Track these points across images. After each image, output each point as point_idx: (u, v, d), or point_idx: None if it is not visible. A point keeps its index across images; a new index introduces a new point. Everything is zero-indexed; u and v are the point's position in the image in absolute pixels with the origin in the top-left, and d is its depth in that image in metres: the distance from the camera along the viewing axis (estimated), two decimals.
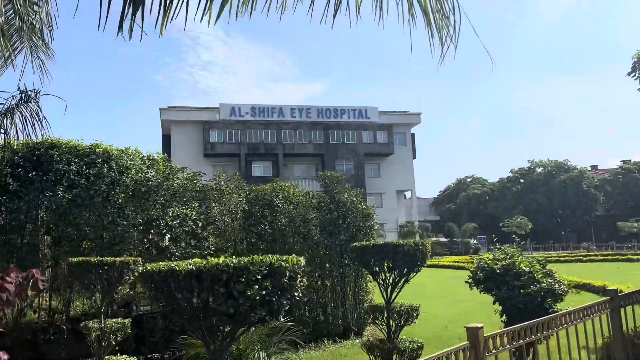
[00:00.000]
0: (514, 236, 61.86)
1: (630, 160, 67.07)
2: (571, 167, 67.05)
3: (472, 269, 7.54)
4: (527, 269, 6.99)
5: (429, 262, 37.97)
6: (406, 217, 67.13)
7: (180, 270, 3.48)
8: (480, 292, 7.31)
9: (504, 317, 7.25)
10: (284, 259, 3.77)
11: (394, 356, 7.12)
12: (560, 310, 6.77)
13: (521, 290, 6.74)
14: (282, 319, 6.56)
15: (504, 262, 7.22)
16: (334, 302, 10.94)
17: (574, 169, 66.53)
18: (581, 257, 35.00)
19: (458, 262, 36.45)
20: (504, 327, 7.23)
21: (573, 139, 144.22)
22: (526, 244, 61.75)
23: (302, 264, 3.99)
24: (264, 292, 3.56)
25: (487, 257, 7.48)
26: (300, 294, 4.05)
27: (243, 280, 3.48)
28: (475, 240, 64.92)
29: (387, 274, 7.14)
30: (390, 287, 7.25)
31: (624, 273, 23.23)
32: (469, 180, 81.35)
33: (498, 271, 7.14)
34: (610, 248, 50.31)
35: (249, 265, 3.53)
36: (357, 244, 7.33)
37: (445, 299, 17.13)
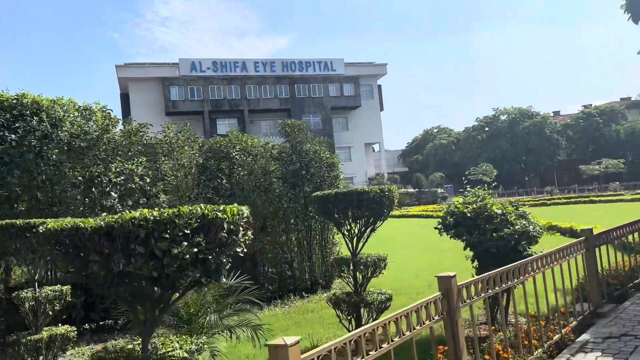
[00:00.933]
0: (484, 183, 62.84)
1: (591, 105, 68.26)
2: (534, 113, 67.82)
3: (441, 215, 7.08)
4: (499, 212, 6.56)
5: (397, 213, 38.15)
6: (375, 169, 67.24)
7: (85, 227, 2.78)
8: (450, 237, 6.88)
9: (476, 262, 6.87)
10: (221, 209, 3.11)
11: (362, 309, 6.69)
12: (535, 253, 6.42)
13: (494, 234, 6.32)
14: (232, 279, 6.07)
15: (475, 206, 6.76)
16: (300, 257, 10.46)
17: (537, 115, 67.35)
18: (545, 201, 35.68)
19: (426, 211, 36.69)
20: (476, 274, 6.85)
21: (536, 86, 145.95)
22: (499, 190, 62.96)
23: (245, 214, 3.35)
24: (195, 250, 2.92)
25: (457, 201, 7.01)
26: (245, 249, 3.43)
27: (167, 236, 2.82)
28: (442, 190, 65.69)
29: (352, 224, 6.60)
30: (355, 237, 6.73)
31: (589, 214, 23.65)
32: (435, 130, 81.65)
33: (469, 215, 6.69)
34: (573, 191, 51.67)
35: (174, 218, 2.86)
36: (318, 193, 6.72)
37: (415, 247, 16.97)
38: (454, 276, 4.10)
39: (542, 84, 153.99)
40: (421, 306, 3.75)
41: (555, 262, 6.02)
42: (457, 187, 74.43)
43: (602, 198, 33.69)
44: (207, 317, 5.17)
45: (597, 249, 7.05)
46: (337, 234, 10.32)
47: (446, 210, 7.10)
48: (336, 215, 6.46)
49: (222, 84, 60.15)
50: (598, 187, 53.17)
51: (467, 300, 4.33)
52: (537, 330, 5.46)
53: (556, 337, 5.64)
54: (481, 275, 4.55)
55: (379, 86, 69.47)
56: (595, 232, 8.75)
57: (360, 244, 6.79)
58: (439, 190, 62.80)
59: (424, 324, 3.72)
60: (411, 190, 63.46)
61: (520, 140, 66.47)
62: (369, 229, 6.68)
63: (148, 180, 8.44)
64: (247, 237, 3.43)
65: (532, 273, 5.51)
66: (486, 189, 7.19)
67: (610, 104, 66.86)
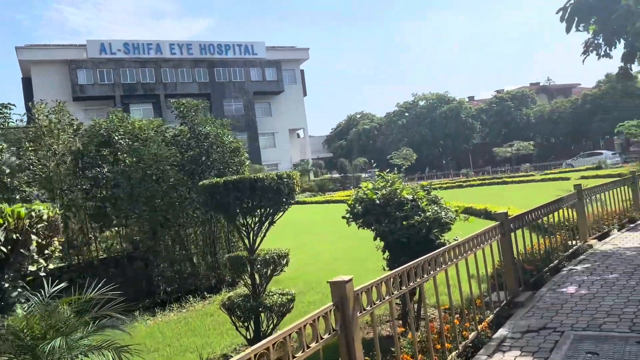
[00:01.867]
0: (401, 167, 64.14)
1: (503, 90, 71.49)
2: (451, 98, 70.01)
3: (349, 202, 6.34)
4: (410, 197, 5.91)
5: (322, 198, 37.64)
6: (300, 155, 66.58)
7: None
8: (359, 227, 6.16)
9: (387, 253, 6.22)
10: None
11: (262, 314, 5.82)
12: (448, 241, 5.85)
13: (404, 222, 5.66)
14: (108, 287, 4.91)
15: (384, 191, 6.08)
16: (202, 252, 9.41)
17: (454, 100, 69.59)
18: (461, 183, 36.66)
19: (349, 196, 36.48)
20: (387, 265, 6.19)
21: (453, 72, 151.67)
22: (424, 173, 64.63)
23: (46, 215, 2.33)
24: None
25: (366, 187, 6.29)
26: (48, 265, 2.41)
27: None
28: (366, 175, 66.34)
29: (247, 217, 5.68)
30: (252, 232, 5.82)
31: (503, 195, 24.30)
32: (358, 116, 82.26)
33: (378, 202, 6.00)
34: (487, 173, 53.90)
35: None
36: (205, 181, 5.70)
37: (333, 235, 16.36)
38: (349, 281, 3.31)
39: (458, 71, 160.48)
40: (305, 324, 2.92)
41: (469, 251, 5.46)
42: (381, 171, 75.62)
43: (514, 179, 35.08)
44: (52, 344, 4.05)
45: (512, 234, 6.64)
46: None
47: (354, 197, 6.38)
48: (227, 208, 5.50)
49: (135, 67, 56.72)
50: (510, 168, 55.87)
51: (368, 307, 3.56)
52: (450, 329, 4.86)
53: (472, 335, 5.08)
54: (384, 275, 3.79)
55: (302, 71, 68.60)
56: (510, 213, 8.48)
57: (259, 239, 5.89)
58: (363, 175, 63.31)
59: (308, 347, 2.88)
60: (336, 175, 63.51)
61: (438, 124, 68.46)
62: (267, 222, 5.80)
63: (7, 170, 7.00)
64: (53, 249, 2.40)
65: (443, 266, 4.88)
66: (396, 172, 6.52)
67: (521, 89, 70.40)
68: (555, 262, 7.62)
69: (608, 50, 9.52)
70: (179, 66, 58.92)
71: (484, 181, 36.82)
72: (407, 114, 72.53)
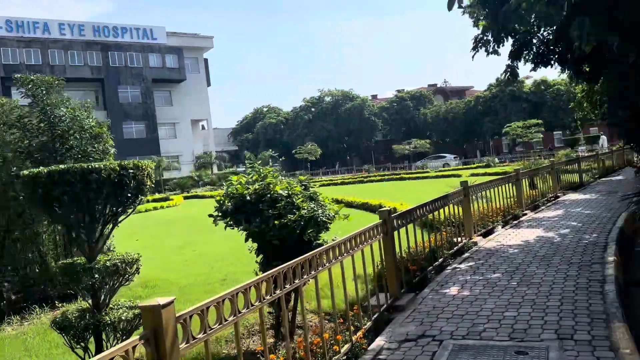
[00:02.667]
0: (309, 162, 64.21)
1: (403, 90, 74.13)
2: (355, 96, 71.39)
3: (218, 198, 5.52)
4: (284, 193, 5.22)
5: (221, 192, 35.96)
6: (203, 148, 64.08)
7: None
8: (225, 227, 5.36)
9: (260, 257, 5.49)
10: None
11: (103, 333, 4.82)
12: (326, 241, 5.26)
13: (276, 222, 4.96)
14: None
15: (256, 186, 5.33)
16: (55, 255, 8.07)
17: (358, 97, 71.01)
18: (362, 179, 37.14)
19: None
20: (260, 270, 5.48)
21: (357, 71, 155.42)
22: (335, 167, 65.05)
23: None
24: None
25: (235, 180, 5.51)
26: None
27: None
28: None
29: (82, 217, 4.64)
30: (92, 235, 4.80)
31: (399, 190, 24.71)
32: (265, 109, 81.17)
33: (249, 198, 5.24)
34: (387, 169, 55.47)
35: None
36: (26, 172, 4.56)
37: (224, 232, 15.42)
38: (169, 304, 2.50)
39: (363, 69, 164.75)
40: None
41: (346, 254, 4.88)
42: (286, 166, 75.29)
43: (410, 175, 36.18)
44: None
45: (396, 232, 6.21)
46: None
47: (225, 191, 5.57)
48: (53, 206, 4.43)
49: (18, 47, 51.33)
50: (408, 165, 58.04)
51: (200, 335, 2.78)
52: (320, 343, 4.24)
53: (345, 348, 4.51)
54: (213, 298, 2.99)
55: (206, 60, 66.05)
56: (401, 209, 8.18)
57: (100, 244, 4.88)
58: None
59: None
60: (241, 169, 61.99)
61: (343, 121, 69.51)
62: (110, 224, 4.81)
63: None
64: None
65: (312, 273, 4.24)
66: (271, 163, 5.79)
67: (420, 89, 73.46)
68: (440, 260, 7.37)
69: (496, 47, 9.56)
70: (69, 48, 54.22)
71: (383, 177, 37.64)
72: (313, 110, 72.86)
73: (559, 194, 14.50)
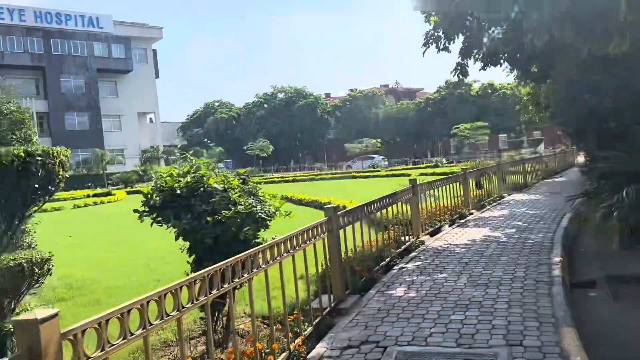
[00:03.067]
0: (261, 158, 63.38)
1: (356, 89, 74.50)
2: (308, 93, 71.16)
3: (145, 191, 4.99)
4: (220, 187, 4.76)
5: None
6: (150, 142, 61.90)
7: None
8: (152, 224, 4.85)
9: (192, 257, 5.01)
10: None
11: (9, 342, 4.21)
12: (265, 240, 4.85)
13: (209, 218, 4.50)
14: None
15: (188, 179, 4.85)
16: None
17: (311, 95, 70.81)
18: (314, 177, 36.93)
19: None
20: (192, 271, 5.00)
21: (311, 69, 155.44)
22: (289, 165, 64.39)
23: None
24: None
25: (165, 173, 4.99)
26: None
27: None
28: (222, 165, 64.30)
29: None
30: None
31: (351, 189, 24.58)
32: (217, 104, 79.52)
33: (180, 192, 4.75)
34: (339, 167, 55.58)
35: None
36: None
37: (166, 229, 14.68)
38: (51, 318, 2.02)
39: (316, 68, 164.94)
40: None
41: (286, 254, 4.49)
42: (237, 162, 74.03)
43: (362, 174, 36.26)
44: None
45: (342, 231, 5.88)
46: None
47: (153, 184, 5.04)
48: None
49: None
50: (347, 165, 58.47)
51: (97, 353, 2.30)
52: (253, 353, 3.82)
53: (282, 357, 4.11)
54: (115, 309, 2.53)
55: (154, 51, 63.87)
56: (350, 206, 7.86)
57: (4, 241, 4.26)
58: (220, 165, 61.21)
59: None
60: None
61: (296, 118, 69.11)
62: (15, 219, 4.20)
63: None
64: None
65: (245, 276, 3.81)
66: (206, 154, 5.31)
67: (372, 89, 74.01)
68: (387, 259, 7.11)
69: (447, 44, 9.44)
70: (8, 33, 51.09)
71: (334, 175, 37.55)
72: (266, 106, 72.00)
73: (504, 194, 14.69)
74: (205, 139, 73.71)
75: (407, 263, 7.25)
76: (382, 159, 55.74)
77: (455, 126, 52.45)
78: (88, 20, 57.10)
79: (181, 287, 2.96)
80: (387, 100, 73.76)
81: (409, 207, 8.54)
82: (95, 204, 25.75)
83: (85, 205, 24.89)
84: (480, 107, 60.75)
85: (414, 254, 7.76)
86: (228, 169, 64.01)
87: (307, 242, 4.97)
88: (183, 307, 2.96)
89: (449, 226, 9.98)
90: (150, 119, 66.57)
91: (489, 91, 61.33)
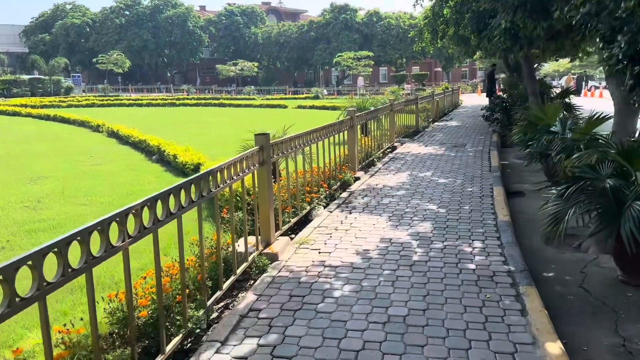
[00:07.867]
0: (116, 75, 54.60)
1: (234, 4, 66.89)
2: (179, 3, 62.56)
3: None
4: None
5: None
6: None
7: None
8: None
9: None
10: None
11: None
12: None
13: None
14: None
15: None
16: None
17: (182, 5, 62.40)
18: (174, 101, 31.41)
19: (24, 106, 27.50)
20: None
21: None
22: (167, 83, 55.99)
23: None
24: None
25: None
26: None
27: None
28: (69, 79, 54.43)
29: None
30: None
31: (205, 121, 20.07)
32: (68, 7, 66.96)
33: None
34: (210, 92, 49.76)
35: None
36: None
37: None
38: None
39: None
40: None
41: None
42: (90, 77, 63.80)
43: (232, 102, 31.55)
44: None
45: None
46: None
47: None
48: None
49: None
50: (236, 89, 52.89)
51: None
52: None
53: None
54: None
55: None
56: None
57: None
58: (63, 80, 51.43)
59: None
60: (24, 77, 49.78)
61: (163, 30, 60.72)
62: None
63: None
64: None
65: None
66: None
67: (252, 5, 67.07)
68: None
69: None
70: None
71: (199, 101, 32.25)
72: (127, 13, 61.93)
73: (395, 144, 11.46)
74: (53, 48, 62.05)
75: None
76: (328, 92, 46.51)
77: (339, 54, 48.91)
78: None
79: None
80: (267, 20, 67.57)
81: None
82: None
83: None
84: (364, 35, 57.77)
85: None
86: (76, 84, 54.48)
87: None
88: None
89: (325, 209, 6.24)
90: None
91: (375, 19, 58.32)
